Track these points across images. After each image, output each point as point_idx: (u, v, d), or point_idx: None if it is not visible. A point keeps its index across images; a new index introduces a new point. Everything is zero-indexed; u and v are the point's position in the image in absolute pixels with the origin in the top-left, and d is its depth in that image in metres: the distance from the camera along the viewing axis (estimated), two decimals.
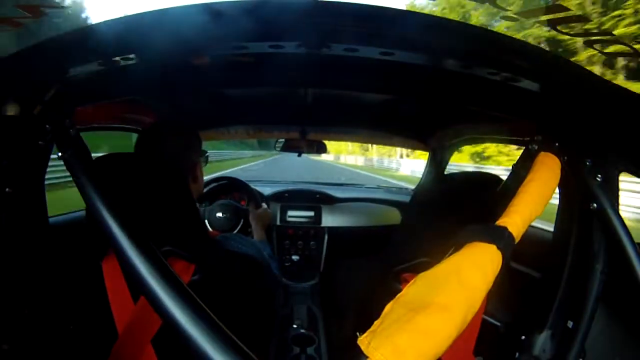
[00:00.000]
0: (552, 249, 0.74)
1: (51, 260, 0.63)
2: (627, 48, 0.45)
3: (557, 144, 0.64)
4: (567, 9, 0.42)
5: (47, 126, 0.56)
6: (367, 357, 0.41)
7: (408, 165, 16.72)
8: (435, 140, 1.71)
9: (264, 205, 1.62)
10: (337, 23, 0.48)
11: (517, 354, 0.72)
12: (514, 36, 0.49)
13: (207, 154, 1.00)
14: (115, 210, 0.50)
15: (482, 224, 0.54)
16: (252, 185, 1.75)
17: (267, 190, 1.88)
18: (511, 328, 0.79)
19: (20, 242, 0.57)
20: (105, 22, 0.48)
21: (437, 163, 1.80)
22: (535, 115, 0.72)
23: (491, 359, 0.75)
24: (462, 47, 0.53)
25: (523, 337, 0.73)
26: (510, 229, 0.52)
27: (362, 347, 0.42)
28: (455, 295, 0.46)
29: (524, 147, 0.72)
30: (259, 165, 17.25)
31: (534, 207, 0.56)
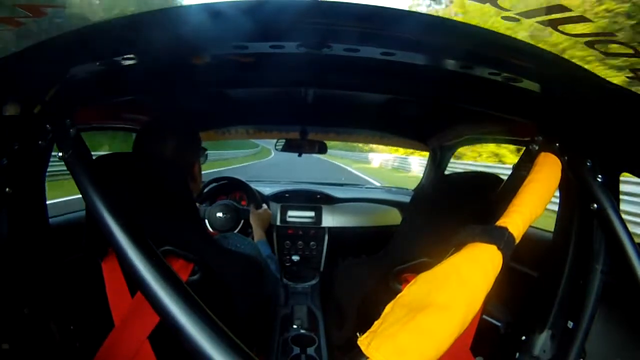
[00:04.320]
0: (552, 249, 0.74)
1: (51, 260, 0.63)
2: (628, 49, 0.45)
3: (557, 144, 0.64)
4: (567, 9, 0.42)
5: (48, 126, 0.56)
6: (367, 357, 0.41)
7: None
8: (435, 140, 1.71)
9: (264, 205, 1.62)
10: (337, 23, 0.48)
11: (517, 354, 0.72)
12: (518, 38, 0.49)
13: (206, 152, 1.00)
14: (115, 210, 0.50)
15: (482, 225, 0.54)
16: (253, 185, 1.75)
17: (267, 190, 1.88)
18: (511, 328, 0.79)
19: (20, 242, 0.57)
20: (105, 22, 0.48)
21: (437, 163, 1.80)
22: (535, 116, 0.72)
23: (491, 359, 0.75)
24: (462, 47, 0.53)
25: (523, 337, 0.73)
26: (511, 230, 0.52)
27: (363, 348, 0.42)
28: (455, 296, 0.46)
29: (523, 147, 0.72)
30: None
31: (535, 208, 0.56)
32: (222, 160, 14.26)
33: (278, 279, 1.09)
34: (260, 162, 17.27)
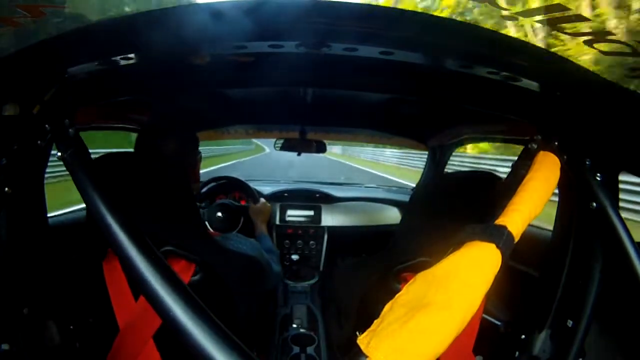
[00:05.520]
0: (551, 248, 0.74)
1: (51, 260, 0.63)
2: (628, 48, 0.45)
3: (556, 143, 0.64)
4: (567, 9, 0.42)
5: (47, 126, 0.56)
6: (366, 356, 0.41)
7: None
8: (435, 140, 1.71)
9: (262, 199, 1.61)
10: (336, 22, 0.48)
11: (517, 354, 0.72)
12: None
13: (200, 154, 1.00)
14: (115, 210, 0.50)
15: (481, 223, 0.54)
16: (252, 185, 1.75)
17: (266, 190, 1.88)
18: (511, 327, 0.79)
19: (20, 242, 0.57)
20: (104, 22, 0.48)
21: (436, 162, 1.80)
22: (534, 115, 0.72)
23: (491, 359, 0.75)
24: (462, 46, 0.52)
25: (523, 337, 0.73)
26: (510, 228, 0.52)
27: (362, 347, 0.42)
28: (454, 295, 0.46)
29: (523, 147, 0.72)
30: None
31: (534, 206, 0.56)
32: None
33: (280, 273, 1.09)
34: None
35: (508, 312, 0.82)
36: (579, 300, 0.66)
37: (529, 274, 0.95)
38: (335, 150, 25.71)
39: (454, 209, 0.77)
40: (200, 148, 1.00)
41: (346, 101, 1.30)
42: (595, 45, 0.48)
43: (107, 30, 0.49)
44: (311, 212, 1.83)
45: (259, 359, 0.41)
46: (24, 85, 0.54)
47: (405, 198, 1.90)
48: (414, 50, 0.55)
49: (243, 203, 1.71)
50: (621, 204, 0.62)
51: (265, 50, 0.55)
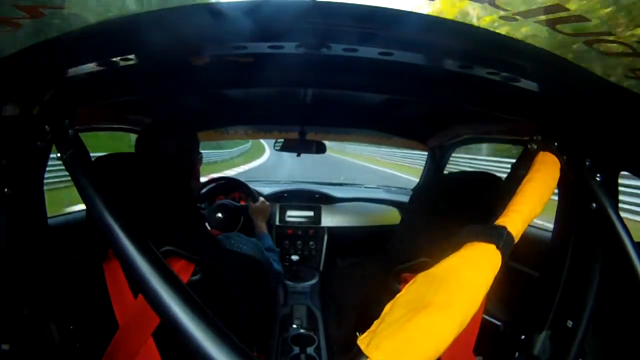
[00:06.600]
0: (551, 248, 0.74)
1: (51, 261, 0.63)
2: (628, 48, 0.45)
3: (556, 144, 0.64)
4: (567, 9, 0.42)
5: (46, 127, 0.56)
6: (366, 356, 0.41)
7: None
8: (434, 140, 1.71)
9: (261, 198, 1.61)
10: (336, 23, 0.48)
11: (517, 354, 0.72)
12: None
13: (201, 154, 1.00)
14: (115, 210, 0.50)
15: (481, 224, 0.54)
16: (251, 186, 1.75)
17: (266, 190, 1.88)
18: (511, 328, 0.79)
19: (20, 242, 0.57)
20: (104, 22, 0.48)
21: (436, 163, 1.80)
22: (534, 115, 0.72)
23: (491, 359, 0.75)
24: (461, 47, 0.52)
25: (523, 337, 0.73)
26: (510, 229, 0.52)
27: (362, 347, 0.42)
28: (454, 295, 0.46)
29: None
30: None
31: (533, 207, 0.56)
32: None
33: (281, 273, 1.10)
34: None
35: (508, 312, 0.82)
36: (579, 301, 0.66)
37: (529, 274, 0.95)
38: None
39: (453, 209, 0.77)
40: None
41: (346, 102, 1.31)
42: (595, 46, 0.48)
43: (107, 31, 0.49)
44: (311, 213, 1.83)
45: (259, 359, 0.41)
46: (24, 85, 0.54)
47: (405, 198, 1.90)
48: (414, 51, 0.55)
49: (243, 203, 1.71)
50: (620, 205, 0.62)
51: (265, 50, 0.55)
